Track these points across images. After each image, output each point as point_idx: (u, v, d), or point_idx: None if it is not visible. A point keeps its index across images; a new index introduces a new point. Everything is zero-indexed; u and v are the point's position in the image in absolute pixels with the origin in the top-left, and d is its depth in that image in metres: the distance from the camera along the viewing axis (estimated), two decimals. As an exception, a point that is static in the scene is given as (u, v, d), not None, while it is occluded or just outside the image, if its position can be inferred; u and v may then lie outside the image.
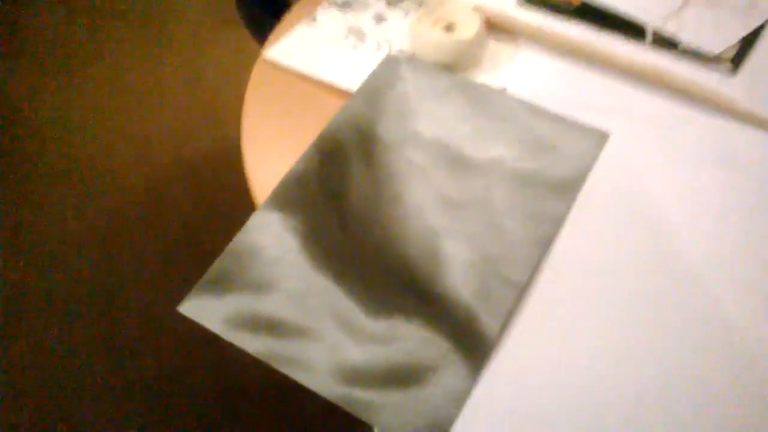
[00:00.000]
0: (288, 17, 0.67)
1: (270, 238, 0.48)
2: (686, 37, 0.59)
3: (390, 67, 0.58)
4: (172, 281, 1.14)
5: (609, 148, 0.53)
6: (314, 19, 0.64)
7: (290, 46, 0.62)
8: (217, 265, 0.47)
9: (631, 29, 0.61)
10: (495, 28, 0.62)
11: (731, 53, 0.58)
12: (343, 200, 0.50)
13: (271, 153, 0.55)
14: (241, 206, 1.22)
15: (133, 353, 1.07)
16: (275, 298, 0.45)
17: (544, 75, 0.58)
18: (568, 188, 0.49)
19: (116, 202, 1.25)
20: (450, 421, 0.39)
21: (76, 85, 1.44)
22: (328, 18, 0.64)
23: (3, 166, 1.30)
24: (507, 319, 0.43)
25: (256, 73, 0.61)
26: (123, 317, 1.11)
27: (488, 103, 0.55)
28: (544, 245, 0.46)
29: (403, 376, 0.41)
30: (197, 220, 1.22)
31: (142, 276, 1.16)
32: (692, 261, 0.46)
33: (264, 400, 1.01)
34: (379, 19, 0.64)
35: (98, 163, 1.31)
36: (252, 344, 0.43)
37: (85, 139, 1.35)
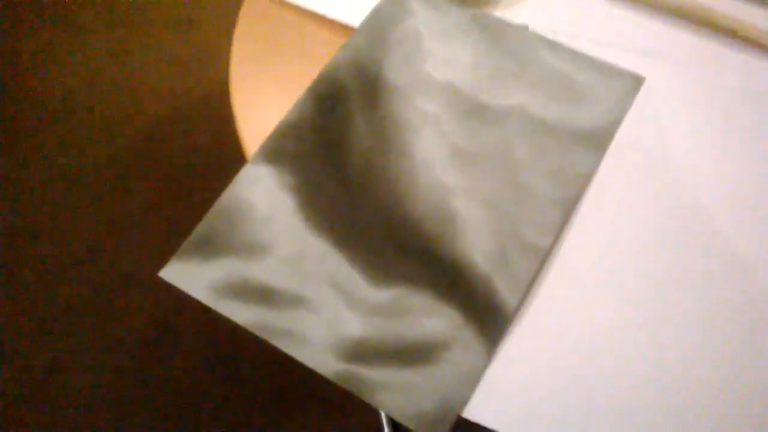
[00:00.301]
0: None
1: (261, 195, 0.43)
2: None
3: (397, 0, 0.51)
4: (161, 235, 1.10)
5: (643, 94, 0.47)
6: (311, -55, 0.57)
7: (284, -24, 0.55)
8: (204, 225, 0.42)
9: (671, -43, 0.53)
10: (516, -45, 0.55)
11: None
12: (344, 153, 0.44)
13: (263, 98, 0.49)
14: (238, 158, 1.16)
15: (121, 311, 1.04)
16: (267, 263, 0.40)
17: (571, 10, 0.52)
18: (597, 140, 0.44)
19: (111, 149, 1.20)
20: (462, 402, 0.35)
21: (71, 32, 1.36)
22: (327, -57, 0.57)
23: (4, 105, 1.24)
24: (527, 289, 0.39)
25: (247, 8, 0.55)
26: (109, 271, 1.08)
27: (508, 42, 0.49)
28: (569, 205, 0.41)
29: (409, 353, 0.37)
30: (192, 171, 1.17)
31: (131, 228, 1.12)
32: (732, 229, 0.41)
33: (261, 362, 0.99)
34: (385, -56, 0.56)
35: (96, 108, 1.25)
36: (242, 314, 0.39)
37: (82, 86, 1.28)
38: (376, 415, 0.94)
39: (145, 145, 1.20)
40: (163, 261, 1.08)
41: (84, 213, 1.13)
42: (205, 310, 1.03)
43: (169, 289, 1.05)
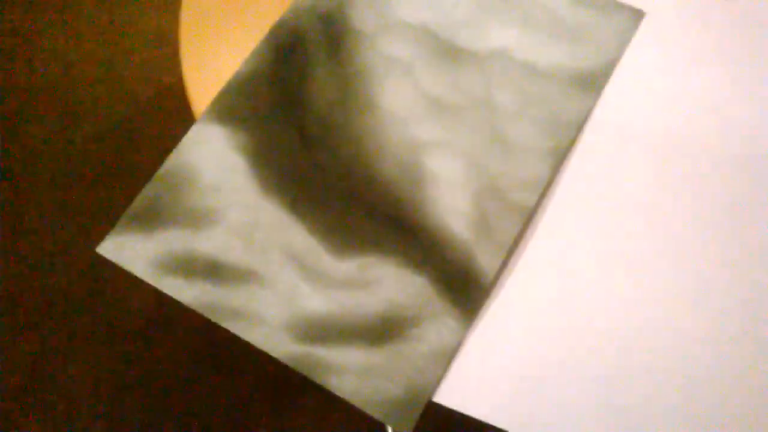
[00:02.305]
0: None
1: (210, 158, 0.39)
2: None
3: (364, -64, 0.46)
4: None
5: (643, 31, 0.42)
6: None
7: None
8: (145, 194, 0.38)
9: None
10: None
11: None
12: (304, 108, 0.40)
13: (216, 53, 0.45)
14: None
15: (115, 299, 1.01)
16: (216, 234, 0.36)
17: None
18: (590, 84, 0.39)
19: (99, 131, 1.16)
20: (432, 385, 0.31)
21: (56, 11, 1.32)
22: None
23: None
24: (508, 254, 0.35)
25: (200, -47, 0.50)
26: (98, 261, 1.04)
27: (489, -23, 0.44)
28: (557, 158, 0.37)
29: (374, 330, 0.33)
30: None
31: (119, 216, 1.09)
32: (741, 183, 0.36)
33: (258, 350, 0.96)
34: None
35: (81, 88, 1.21)
36: (187, 293, 0.35)
37: (69, 63, 1.24)
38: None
39: (135, 126, 1.16)
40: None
41: (71, 200, 1.10)
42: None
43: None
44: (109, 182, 1.12)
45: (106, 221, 1.08)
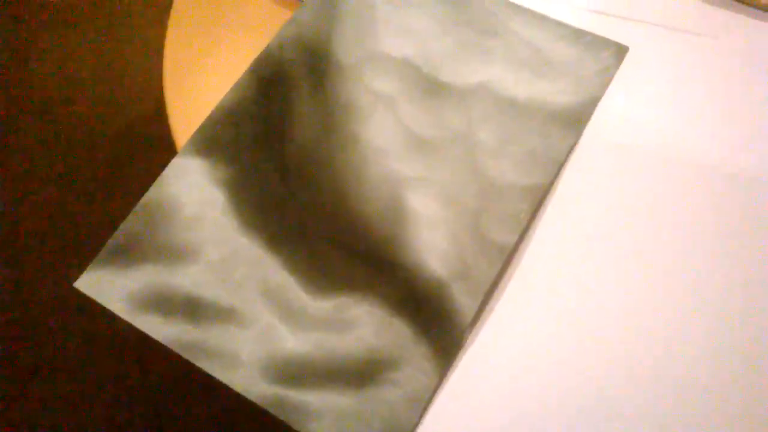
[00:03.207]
0: None
1: (190, 191, 0.39)
2: None
3: (350, -34, 0.47)
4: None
5: (626, 67, 0.42)
6: None
7: (225, -57, 0.50)
8: (124, 227, 0.38)
9: None
10: None
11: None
12: (285, 142, 0.40)
13: (199, 84, 0.45)
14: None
15: (104, 317, 1.01)
16: (193, 271, 0.36)
17: (546, -27, 0.47)
18: (573, 120, 0.40)
19: (97, 143, 1.16)
20: (408, 430, 0.31)
21: (53, 27, 1.32)
22: None
23: None
24: (487, 295, 0.35)
25: (185, -20, 0.50)
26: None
27: (473, 9, 0.44)
28: (537, 196, 0.37)
29: (351, 373, 0.33)
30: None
31: (114, 226, 1.08)
32: (724, 218, 0.37)
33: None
34: None
35: (79, 104, 1.21)
36: (163, 331, 0.35)
37: (63, 81, 1.24)
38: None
39: (130, 140, 1.17)
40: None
41: (68, 211, 1.10)
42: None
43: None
44: (103, 196, 1.11)
45: (97, 237, 1.07)
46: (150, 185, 1.10)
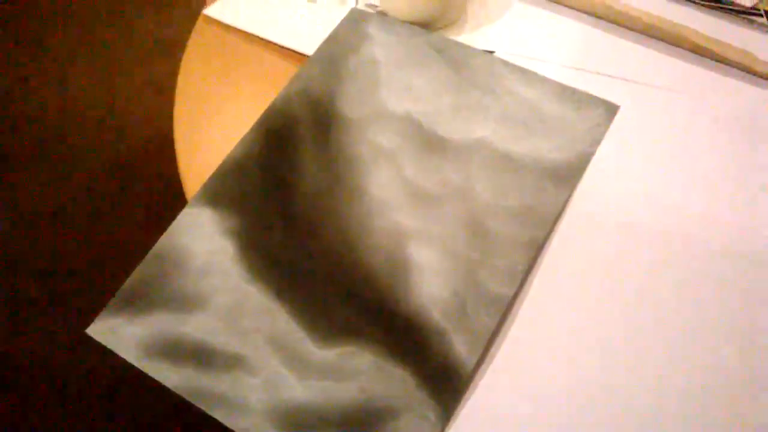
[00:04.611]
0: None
1: (200, 241, 0.41)
2: (715, -16, 0.51)
3: (355, 25, 0.50)
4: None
5: (617, 124, 0.45)
6: (265, -32, 0.56)
7: (235, 1, 0.53)
8: (135, 275, 0.40)
9: (648, -24, 0.52)
10: (483, -25, 0.54)
11: (770, 4, 0.50)
12: (291, 193, 0.43)
13: (208, 133, 0.47)
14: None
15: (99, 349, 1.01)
16: (203, 319, 0.38)
17: (540, 33, 0.50)
18: (567, 175, 0.42)
19: (93, 175, 1.18)
20: (412, 479, 0.33)
21: (51, 60, 1.35)
22: (281, -34, 0.56)
23: None
24: (487, 344, 0.37)
25: (196, 35, 0.53)
26: (89, 300, 1.05)
27: (472, 69, 0.47)
28: (535, 248, 0.39)
29: (355, 421, 0.34)
30: (175, 198, 1.16)
31: (111, 255, 1.10)
32: (715, 265, 0.39)
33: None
34: (344, -34, 0.55)
35: (76, 136, 1.23)
36: (172, 378, 0.36)
37: (62, 114, 1.27)
38: None
39: (126, 173, 1.19)
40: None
41: (66, 240, 1.11)
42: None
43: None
44: (103, 226, 1.13)
45: (97, 263, 1.08)
46: (148, 219, 1.11)
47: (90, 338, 0.98)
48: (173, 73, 1.32)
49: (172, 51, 1.35)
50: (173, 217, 0.42)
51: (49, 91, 1.29)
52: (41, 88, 1.30)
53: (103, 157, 1.21)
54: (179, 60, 1.33)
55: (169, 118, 1.27)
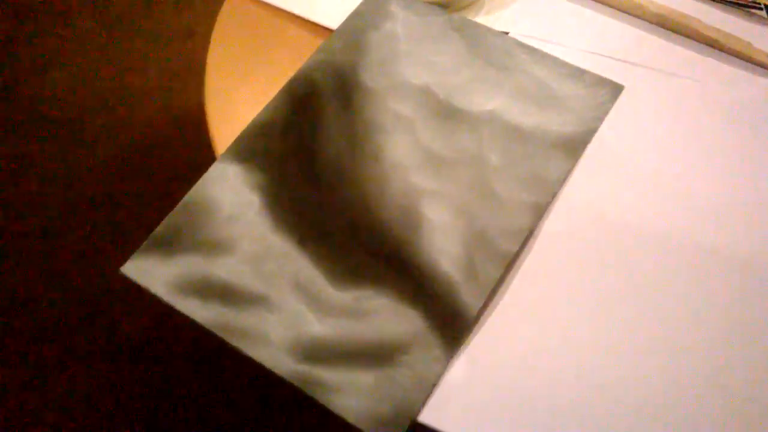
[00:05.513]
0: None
1: (228, 193, 0.44)
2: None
3: (377, 2, 0.53)
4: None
5: (621, 103, 0.49)
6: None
7: (265, -24, 0.57)
8: (168, 221, 0.43)
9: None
10: (500, -39, 0.57)
11: (771, -1, 0.53)
12: (314, 154, 0.46)
13: (237, 99, 0.51)
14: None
15: (113, 316, 1.05)
16: (229, 262, 0.42)
17: (553, 17, 0.54)
18: (572, 147, 0.46)
19: (104, 155, 1.22)
20: (417, 407, 0.36)
21: (71, 40, 1.39)
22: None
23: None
24: (490, 294, 0.40)
25: (226, 9, 0.57)
26: (99, 279, 1.09)
27: (488, 48, 0.51)
28: (539, 211, 0.43)
29: (368, 355, 0.38)
30: (183, 181, 1.19)
31: (120, 235, 1.14)
32: (709, 237, 0.42)
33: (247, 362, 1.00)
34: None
35: (90, 116, 1.27)
36: (201, 313, 0.40)
37: (78, 93, 1.31)
38: None
39: (138, 154, 1.22)
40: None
41: (76, 218, 1.15)
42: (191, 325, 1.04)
43: (152, 308, 1.07)
44: (114, 207, 1.17)
45: (110, 245, 1.12)
46: (168, 196, 1.15)
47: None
48: (192, 58, 1.36)
49: (185, 38, 1.39)
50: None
51: (68, 73, 1.33)
52: (65, 66, 1.33)
53: (122, 138, 1.25)
54: (190, 47, 1.37)
55: (187, 99, 1.31)
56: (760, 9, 0.52)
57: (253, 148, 0.46)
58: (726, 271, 0.41)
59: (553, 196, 0.44)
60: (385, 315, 0.39)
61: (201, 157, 1.22)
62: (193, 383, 0.99)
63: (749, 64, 0.51)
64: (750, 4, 0.53)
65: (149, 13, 1.42)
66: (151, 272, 0.42)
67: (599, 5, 0.55)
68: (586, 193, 0.44)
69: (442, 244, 0.42)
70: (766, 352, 0.38)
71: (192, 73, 1.35)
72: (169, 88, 1.32)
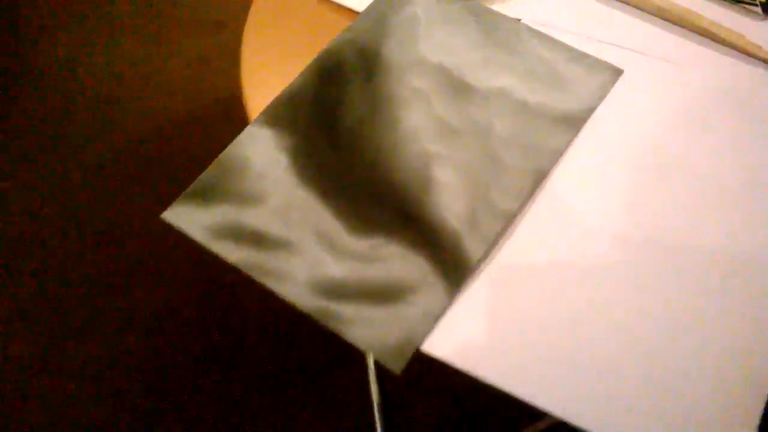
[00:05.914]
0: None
1: (258, 153, 0.50)
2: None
3: (400, -12, 0.58)
4: (168, 229, 1.17)
5: (620, 85, 0.53)
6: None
7: (298, -38, 0.62)
8: (204, 176, 0.49)
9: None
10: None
11: (767, -5, 0.58)
12: (338, 120, 0.51)
13: (270, 69, 0.56)
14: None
15: (128, 289, 1.11)
16: (259, 212, 0.47)
17: (562, 6, 0.58)
18: (572, 123, 0.50)
19: (129, 142, 1.28)
20: (422, 337, 0.41)
21: (104, 28, 1.46)
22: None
23: (7, 105, 1.33)
24: (491, 246, 0.45)
25: (262, -10, 0.62)
26: (116, 253, 1.15)
27: (500, 32, 0.56)
28: (539, 176, 0.48)
29: (380, 293, 0.43)
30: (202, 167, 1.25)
31: (142, 222, 1.19)
32: (695, 205, 0.47)
33: (262, 336, 1.05)
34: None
35: (120, 103, 1.33)
36: (234, 254, 0.45)
37: (109, 80, 1.37)
38: (366, 396, 0.99)
39: (163, 143, 1.29)
40: (166, 257, 1.15)
41: (93, 207, 1.21)
42: (201, 303, 1.10)
43: (168, 284, 1.12)
44: (132, 188, 1.23)
45: (127, 229, 1.18)
46: (184, 172, 1.21)
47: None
48: (215, 50, 1.42)
49: (214, 29, 1.45)
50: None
51: (98, 60, 1.40)
52: (93, 56, 1.40)
53: (149, 124, 1.31)
54: (220, 38, 1.43)
55: (215, 89, 1.36)
56: (756, 6, 0.57)
57: (283, 114, 0.52)
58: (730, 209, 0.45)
59: (553, 163, 0.49)
60: (396, 261, 0.44)
61: (233, 136, 1.28)
62: (198, 360, 1.05)
63: (743, 55, 0.55)
64: (746, 0, 0.57)
65: (179, 4, 1.49)
66: (189, 218, 0.47)
67: (605, -4, 0.59)
68: (586, 161, 0.49)
69: (449, 201, 0.47)
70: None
71: (221, 63, 1.41)
72: (197, 78, 1.38)
